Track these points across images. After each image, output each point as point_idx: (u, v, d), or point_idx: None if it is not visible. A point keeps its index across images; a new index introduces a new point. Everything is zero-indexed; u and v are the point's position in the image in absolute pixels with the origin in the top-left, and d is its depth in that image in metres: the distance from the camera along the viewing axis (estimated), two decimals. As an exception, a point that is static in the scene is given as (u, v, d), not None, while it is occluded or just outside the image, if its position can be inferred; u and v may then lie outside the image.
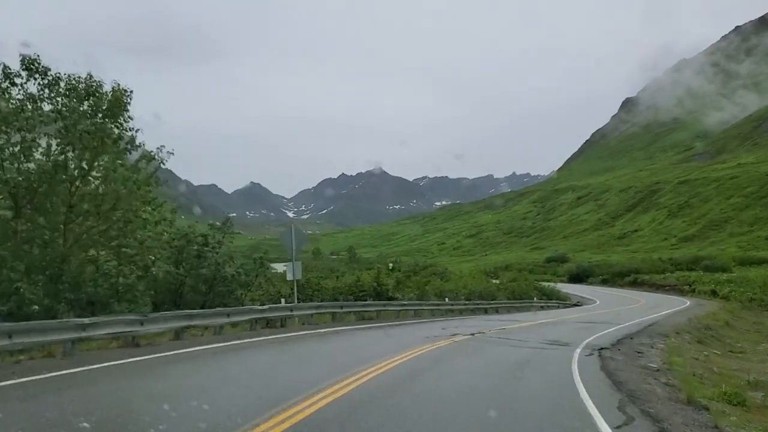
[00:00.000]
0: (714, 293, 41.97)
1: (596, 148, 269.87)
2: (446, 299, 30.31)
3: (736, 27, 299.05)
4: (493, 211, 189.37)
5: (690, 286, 45.42)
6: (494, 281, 45.40)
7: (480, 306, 32.13)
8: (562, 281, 62.76)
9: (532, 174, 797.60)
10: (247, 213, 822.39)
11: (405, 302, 25.58)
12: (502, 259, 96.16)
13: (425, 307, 26.79)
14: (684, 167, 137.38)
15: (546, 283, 49.84)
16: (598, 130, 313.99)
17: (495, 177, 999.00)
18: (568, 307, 41.97)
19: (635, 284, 53.64)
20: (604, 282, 59.48)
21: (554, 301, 43.54)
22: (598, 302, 42.70)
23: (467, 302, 31.47)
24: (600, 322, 23.93)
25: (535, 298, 41.45)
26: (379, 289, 25.17)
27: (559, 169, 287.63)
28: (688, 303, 36.81)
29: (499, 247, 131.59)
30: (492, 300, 35.55)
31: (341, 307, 20.91)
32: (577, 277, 64.21)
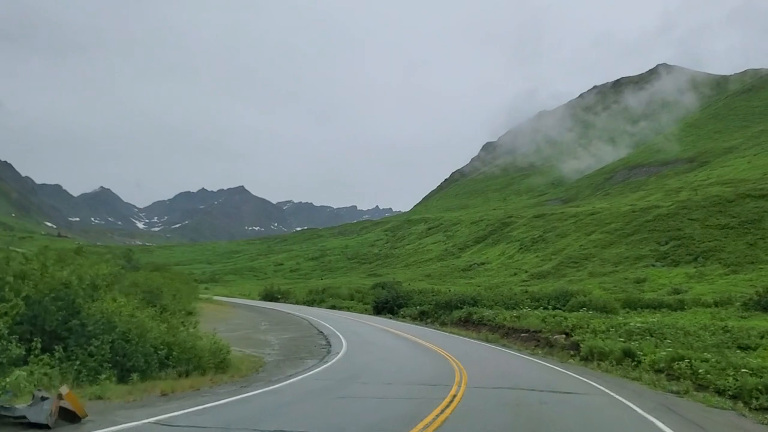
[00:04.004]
0: (630, 356, 18.93)
1: (454, 187, 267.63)
2: None
3: (594, 86, 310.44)
4: (345, 237, 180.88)
5: (568, 335, 23.64)
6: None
7: None
8: (367, 312, 48.30)
9: (394, 209, 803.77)
10: (92, 219, 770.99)
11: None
12: (330, 283, 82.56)
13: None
14: (538, 209, 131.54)
15: None
16: (458, 170, 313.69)
17: (359, 209, 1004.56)
18: None
19: (468, 323, 33.44)
20: (423, 315, 39.48)
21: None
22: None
23: None
24: None
25: None
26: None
27: (416, 204, 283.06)
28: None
29: (339, 271, 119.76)
30: None
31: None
32: (387, 307, 45.30)
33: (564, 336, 23.90)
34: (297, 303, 61.24)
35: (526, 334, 26.80)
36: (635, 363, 18.48)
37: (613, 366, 19.07)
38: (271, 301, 64.94)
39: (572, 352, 22.16)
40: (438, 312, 38.54)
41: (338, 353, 21.86)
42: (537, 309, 31.16)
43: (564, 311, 29.34)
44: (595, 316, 26.58)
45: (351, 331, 31.47)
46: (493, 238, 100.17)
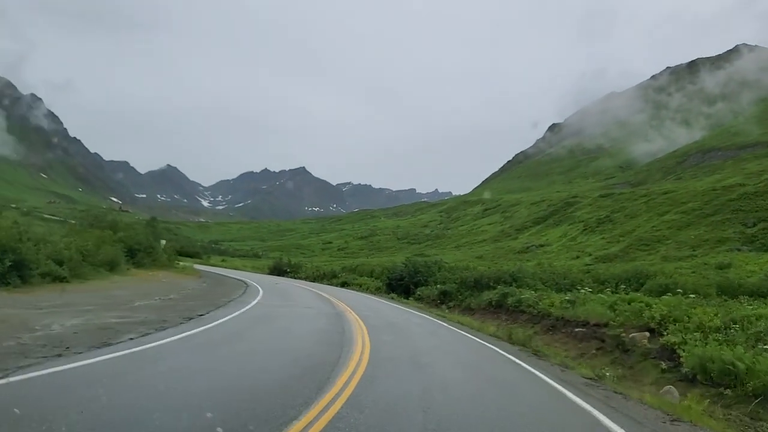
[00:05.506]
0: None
1: (517, 169, 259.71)
2: None
3: (668, 67, 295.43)
4: (399, 218, 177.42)
5: (654, 332, 14.04)
6: None
7: None
8: (379, 291, 39.38)
9: (455, 193, 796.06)
10: (159, 196, 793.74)
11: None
12: (368, 261, 77.81)
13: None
14: (605, 192, 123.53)
15: None
16: (522, 152, 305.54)
17: (418, 191, 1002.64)
18: None
19: (500, 309, 24.13)
20: (444, 297, 30.10)
21: None
22: None
23: None
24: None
25: None
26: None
27: (476, 186, 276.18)
28: None
29: (387, 251, 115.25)
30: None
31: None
32: (401, 285, 36.29)
33: (647, 334, 14.39)
34: (306, 279, 55.11)
35: (583, 329, 17.15)
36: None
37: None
38: (277, 275, 59.40)
39: (664, 366, 12.59)
40: (463, 293, 29.36)
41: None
42: (601, 292, 21.35)
43: (642, 294, 19.85)
44: (699, 302, 16.18)
45: (279, 315, 19.53)
46: (555, 219, 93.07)
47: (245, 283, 36.37)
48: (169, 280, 32.18)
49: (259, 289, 31.98)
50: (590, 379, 12.13)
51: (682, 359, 11.95)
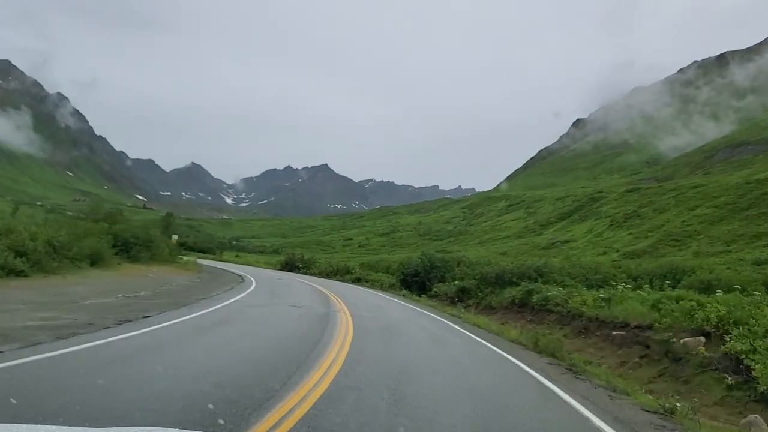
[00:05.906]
0: None
1: (541, 165, 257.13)
2: None
3: (695, 60, 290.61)
4: (422, 215, 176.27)
5: (709, 337, 11.77)
6: None
7: None
8: (392, 288, 37.23)
9: (478, 189, 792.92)
10: (183, 194, 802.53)
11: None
12: (387, 257, 76.47)
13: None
14: (631, 187, 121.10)
15: None
16: (545, 147, 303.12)
17: (441, 188, 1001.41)
18: None
19: (524, 308, 21.94)
20: (462, 294, 27.85)
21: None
22: None
23: None
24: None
25: None
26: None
27: (500, 182, 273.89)
28: None
29: (409, 248, 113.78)
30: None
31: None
32: (416, 281, 34.18)
33: (702, 340, 12.03)
34: (319, 274, 52.54)
35: (622, 332, 14.74)
36: None
37: None
38: (289, 270, 57.50)
39: (730, 381, 10.27)
40: (483, 290, 26.73)
41: None
42: (640, 289, 18.65)
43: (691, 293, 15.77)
44: (766, 300, 13.07)
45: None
46: (580, 214, 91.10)
47: (242, 279, 34.10)
48: (157, 276, 29.54)
49: (253, 284, 29.75)
50: (655, 413, 8.90)
51: (754, 373, 9.61)
